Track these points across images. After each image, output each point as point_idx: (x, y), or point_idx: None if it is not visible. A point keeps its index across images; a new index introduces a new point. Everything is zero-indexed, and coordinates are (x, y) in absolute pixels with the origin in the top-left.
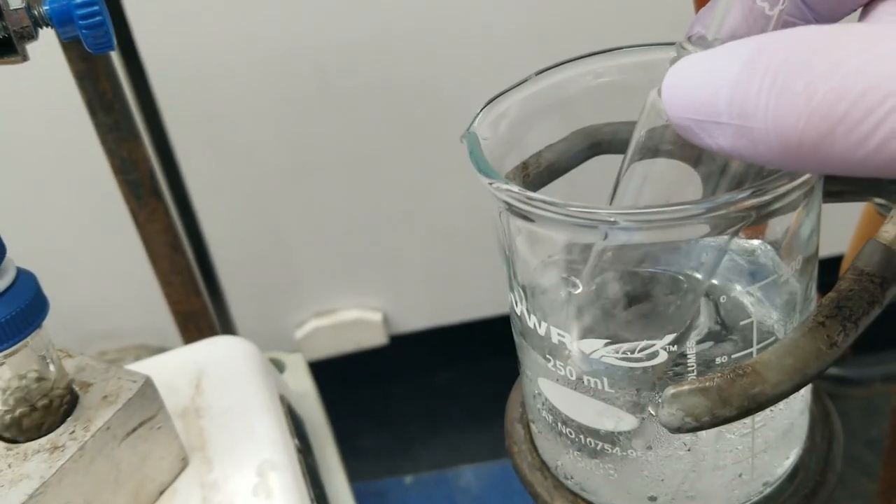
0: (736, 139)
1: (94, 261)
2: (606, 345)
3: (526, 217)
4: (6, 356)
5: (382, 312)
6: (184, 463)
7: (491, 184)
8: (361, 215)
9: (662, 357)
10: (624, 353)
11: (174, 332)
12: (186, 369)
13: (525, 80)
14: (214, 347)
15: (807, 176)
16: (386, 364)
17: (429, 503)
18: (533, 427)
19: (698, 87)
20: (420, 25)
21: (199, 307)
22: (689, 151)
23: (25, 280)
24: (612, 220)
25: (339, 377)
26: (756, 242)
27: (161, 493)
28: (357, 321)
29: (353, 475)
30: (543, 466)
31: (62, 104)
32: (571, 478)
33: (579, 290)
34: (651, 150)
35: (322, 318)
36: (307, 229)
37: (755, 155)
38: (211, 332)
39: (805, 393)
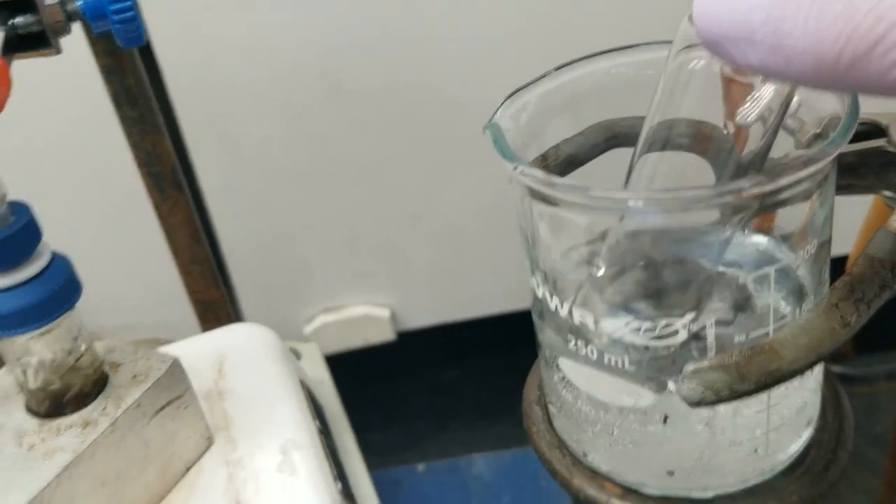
0: (769, 56)
1: (104, 254)
2: (627, 324)
3: (549, 201)
4: (41, 335)
5: (390, 309)
6: (209, 442)
7: (515, 168)
8: (370, 213)
9: (682, 336)
10: (645, 331)
11: (186, 326)
12: (208, 354)
13: (544, 76)
14: (234, 334)
15: (821, 164)
16: (393, 360)
17: (442, 490)
18: (551, 408)
19: (731, 3)
20: (428, 28)
21: (219, 297)
22: (699, 143)
23: (60, 263)
24: (632, 203)
25: (346, 372)
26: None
27: (187, 469)
28: (365, 317)
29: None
30: (562, 445)
31: (85, 98)
32: (590, 455)
33: (602, 272)
34: (661, 141)
35: (330, 313)
36: (316, 227)
37: (787, 72)
38: (229, 322)
39: (818, 373)
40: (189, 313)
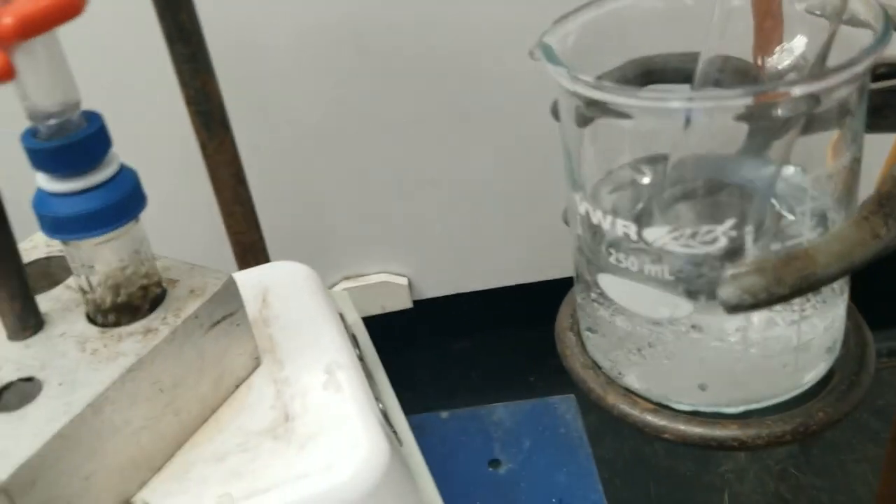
0: None
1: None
2: (670, 231)
3: (599, 107)
4: (107, 241)
5: (408, 278)
6: (257, 362)
7: (569, 73)
8: (391, 182)
9: (722, 242)
10: (686, 239)
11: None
12: (252, 286)
13: (590, 3)
14: (276, 269)
15: (863, 66)
16: (409, 327)
17: (464, 435)
18: (585, 333)
19: None
20: None
21: (258, 240)
22: (740, 81)
23: (128, 173)
24: (679, 103)
25: None
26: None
27: (237, 386)
28: (383, 285)
29: None
30: (595, 366)
31: (136, 35)
32: (624, 374)
33: (647, 180)
34: (711, 79)
35: (350, 281)
36: (338, 195)
37: None
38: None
39: (845, 295)
40: (225, 257)
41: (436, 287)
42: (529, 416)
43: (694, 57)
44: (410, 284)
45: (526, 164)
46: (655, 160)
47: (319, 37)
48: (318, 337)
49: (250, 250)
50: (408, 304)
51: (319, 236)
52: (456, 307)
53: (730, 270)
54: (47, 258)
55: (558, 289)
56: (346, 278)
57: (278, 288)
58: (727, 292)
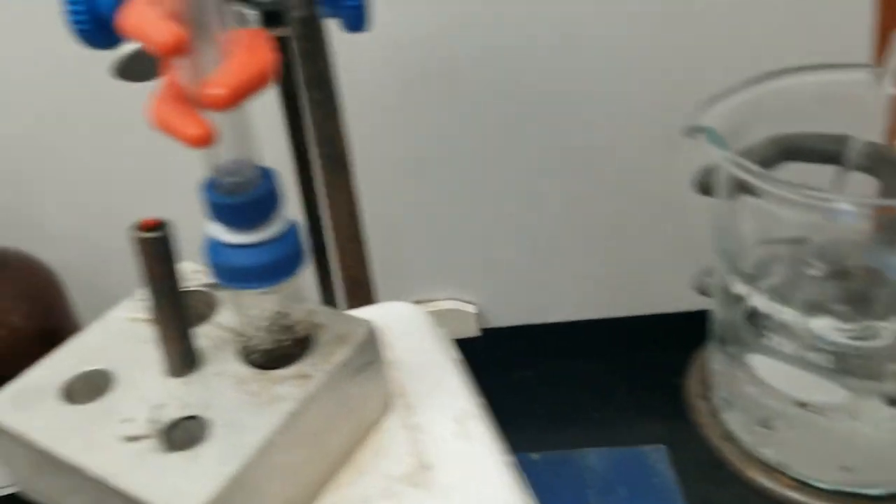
0: None
1: None
2: (834, 322)
3: (758, 195)
4: (272, 291)
5: (477, 306)
6: (387, 406)
7: (731, 160)
8: (467, 214)
9: (887, 339)
10: (850, 331)
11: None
12: None
13: (737, 87)
14: (390, 310)
15: None
16: (475, 354)
17: (559, 480)
18: (720, 402)
19: None
20: (555, 36)
21: (367, 275)
22: (880, 167)
23: (294, 227)
24: (840, 206)
25: None
26: None
27: (369, 430)
28: (452, 312)
29: None
30: (732, 437)
31: None
32: (764, 448)
33: (815, 273)
34: (860, 166)
35: (420, 305)
36: (415, 223)
37: None
38: (370, 300)
39: None
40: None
41: (503, 317)
42: (621, 463)
43: (834, 138)
44: (479, 313)
45: (601, 203)
46: (801, 241)
47: (412, 70)
48: (443, 383)
49: (360, 284)
50: (475, 332)
51: (394, 258)
52: (522, 338)
53: (893, 366)
54: (190, 292)
55: (625, 327)
56: (417, 302)
57: (396, 329)
58: (891, 387)
